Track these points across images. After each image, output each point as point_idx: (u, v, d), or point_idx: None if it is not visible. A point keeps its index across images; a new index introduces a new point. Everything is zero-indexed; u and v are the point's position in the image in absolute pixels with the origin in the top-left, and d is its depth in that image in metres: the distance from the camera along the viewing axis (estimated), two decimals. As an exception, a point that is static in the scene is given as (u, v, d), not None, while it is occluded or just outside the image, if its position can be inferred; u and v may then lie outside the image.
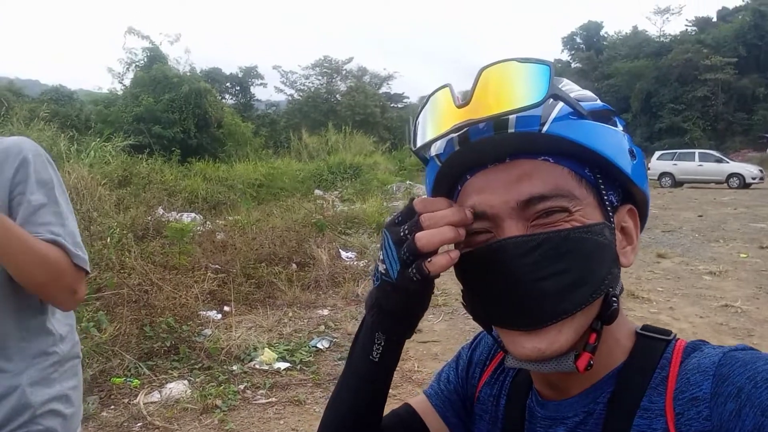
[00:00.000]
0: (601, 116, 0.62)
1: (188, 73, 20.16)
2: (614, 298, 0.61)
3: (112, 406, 3.55)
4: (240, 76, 35.40)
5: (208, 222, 9.29)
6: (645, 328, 0.67)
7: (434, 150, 0.65)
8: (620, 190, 0.65)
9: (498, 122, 0.59)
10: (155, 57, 20.41)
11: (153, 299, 4.68)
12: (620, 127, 0.64)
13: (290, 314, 5.45)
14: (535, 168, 0.60)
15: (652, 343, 0.64)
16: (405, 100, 51.18)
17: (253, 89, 36.76)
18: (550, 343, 0.58)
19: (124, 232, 6.12)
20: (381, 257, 0.63)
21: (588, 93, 0.65)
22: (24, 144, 1.27)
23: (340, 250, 7.66)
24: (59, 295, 1.24)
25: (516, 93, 0.57)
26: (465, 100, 0.60)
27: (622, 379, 0.62)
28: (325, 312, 5.61)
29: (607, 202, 0.62)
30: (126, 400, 3.62)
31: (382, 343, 0.68)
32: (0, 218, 1.13)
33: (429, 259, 0.59)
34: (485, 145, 0.60)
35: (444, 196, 0.67)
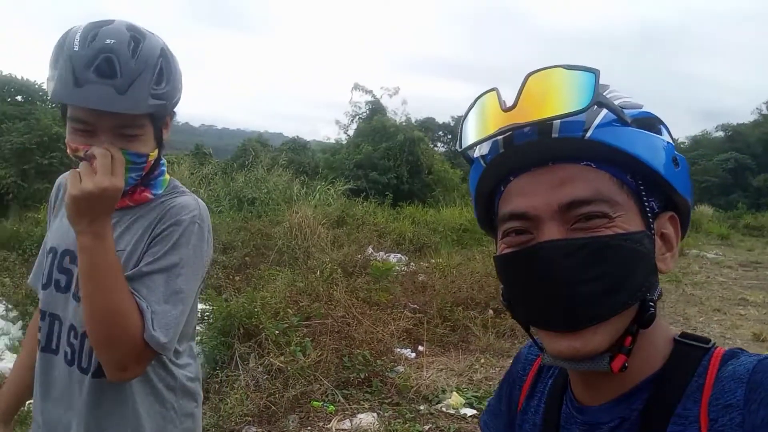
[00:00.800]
0: (646, 124, 0.63)
1: (404, 123, 21.56)
2: (651, 304, 0.61)
3: (309, 427, 3.82)
4: (452, 124, 36.74)
5: (412, 263, 9.66)
6: (683, 335, 0.66)
7: (479, 151, 0.68)
8: (662, 197, 0.65)
9: (542, 127, 0.61)
10: (376, 109, 22.29)
11: (353, 332, 4.98)
12: (665, 135, 0.64)
13: (482, 360, 5.35)
14: (577, 173, 0.61)
15: (690, 351, 0.64)
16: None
17: (464, 137, 37.88)
18: (585, 344, 0.60)
19: (335, 267, 6.64)
20: None
21: (634, 101, 0.65)
22: (189, 209, 1.23)
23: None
24: (110, 360, 1.12)
25: (561, 99, 0.59)
26: (511, 104, 0.62)
27: (658, 385, 0.62)
28: (519, 362, 5.39)
29: (647, 209, 0.63)
30: (321, 424, 3.87)
31: None
32: (109, 242, 1.10)
33: None
34: (529, 149, 0.62)
35: (486, 195, 0.70)
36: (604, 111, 0.61)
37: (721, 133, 41.22)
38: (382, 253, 9.94)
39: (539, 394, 0.78)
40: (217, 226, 8.88)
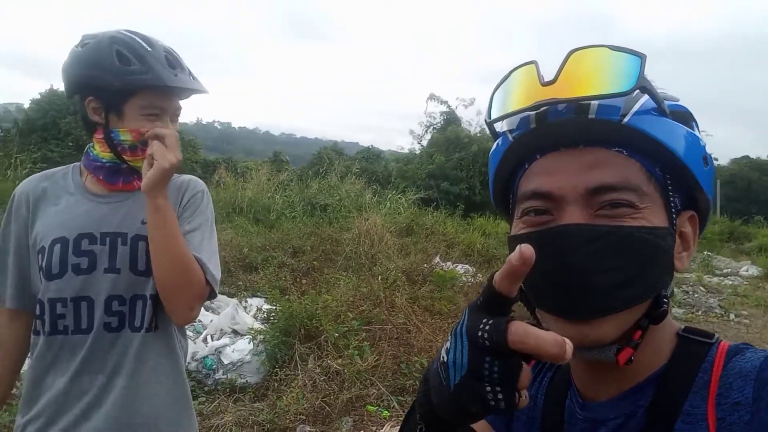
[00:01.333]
0: (682, 117, 0.61)
1: (478, 134, 21.37)
2: (665, 300, 0.60)
3: (362, 430, 3.85)
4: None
5: (479, 274, 9.53)
6: (687, 330, 0.65)
7: (507, 125, 0.65)
8: (686, 195, 0.63)
9: (579, 106, 0.58)
10: (451, 119, 22.27)
11: (412, 339, 4.97)
12: (698, 132, 0.63)
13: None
14: (607, 158, 0.59)
15: (695, 347, 0.62)
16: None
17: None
18: (592, 330, 0.58)
19: (399, 274, 6.66)
20: (448, 344, 0.51)
21: (669, 93, 0.63)
22: (200, 183, 1.55)
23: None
24: (182, 302, 1.36)
25: (604, 79, 0.57)
26: (551, 78, 0.59)
27: (664, 382, 0.61)
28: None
29: (672, 205, 0.61)
30: (374, 428, 3.88)
31: None
32: (170, 209, 1.34)
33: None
34: (562, 128, 0.60)
35: (508, 172, 0.67)
36: (645, 97, 0.59)
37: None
38: (449, 263, 9.86)
39: (536, 385, 0.75)
40: (289, 231, 9.14)
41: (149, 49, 1.35)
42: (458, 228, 13.44)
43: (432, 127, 22.97)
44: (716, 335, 0.64)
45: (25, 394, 1.40)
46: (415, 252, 9.44)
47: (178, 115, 1.45)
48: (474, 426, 0.71)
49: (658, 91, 0.61)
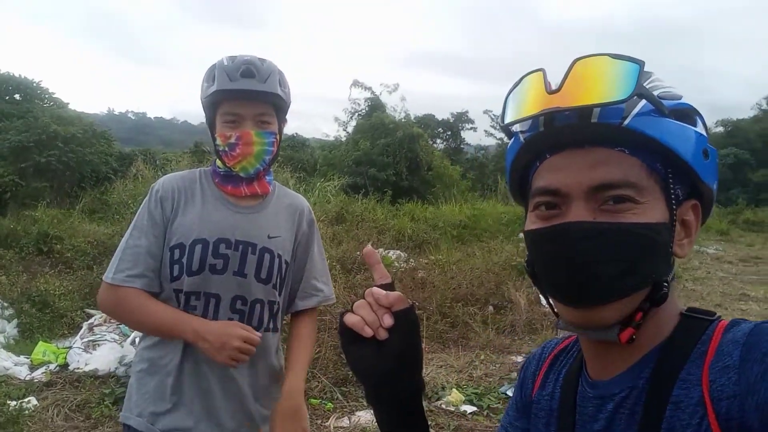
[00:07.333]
0: (682, 114, 0.66)
1: (403, 120, 21.48)
2: (665, 284, 0.65)
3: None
4: (451, 121, 36.70)
5: (411, 259, 9.62)
6: (690, 309, 0.69)
7: (520, 127, 0.71)
8: (688, 185, 0.68)
9: (582, 112, 0.64)
10: (375, 106, 22.20)
11: (352, 328, 4.94)
12: (700, 127, 0.67)
13: (482, 357, 5.32)
14: (610, 157, 0.64)
15: (695, 323, 0.67)
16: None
17: (463, 133, 37.76)
18: (596, 314, 0.65)
19: (334, 263, 6.60)
20: None
21: (674, 91, 0.68)
22: (307, 204, 1.77)
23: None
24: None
25: (603, 87, 0.62)
26: (556, 87, 0.65)
27: (664, 354, 0.66)
28: (519, 359, 5.35)
29: (673, 196, 0.66)
30: (319, 421, 3.83)
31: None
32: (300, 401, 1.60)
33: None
34: (568, 131, 0.65)
35: (522, 169, 0.74)
36: (644, 101, 0.64)
37: (720, 129, 41.04)
38: (381, 250, 9.90)
39: (552, 383, 0.82)
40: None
41: (226, 63, 1.54)
42: (387, 214, 13.50)
43: (357, 114, 22.87)
44: (717, 314, 0.68)
45: (159, 384, 1.56)
46: (347, 240, 9.40)
47: (265, 121, 1.58)
48: None
49: (663, 90, 0.67)
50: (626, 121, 0.63)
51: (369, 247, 0.80)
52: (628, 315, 0.65)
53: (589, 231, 0.63)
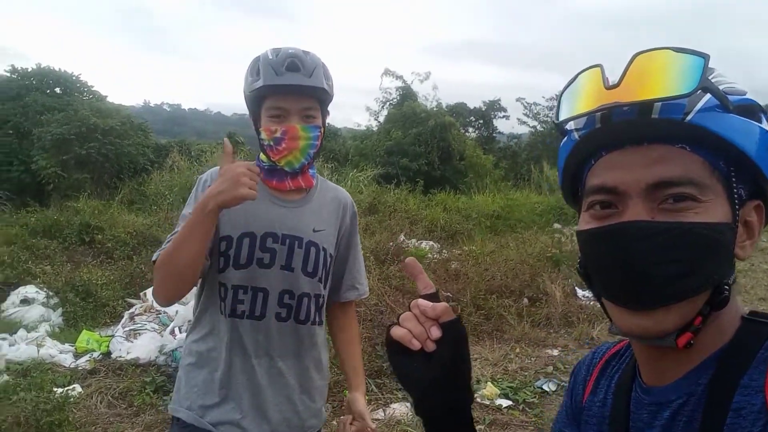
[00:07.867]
0: (748, 111, 0.63)
1: (435, 109, 21.27)
2: (726, 287, 0.62)
3: (342, 416, 3.81)
4: (483, 109, 36.26)
5: (444, 250, 9.58)
6: (752, 313, 0.66)
7: (574, 124, 0.68)
8: (751, 185, 0.65)
9: (643, 107, 0.61)
10: (407, 95, 22.07)
11: (386, 320, 4.95)
12: (764, 124, 0.64)
13: (517, 350, 5.27)
14: (671, 154, 0.62)
15: (759, 327, 0.64)
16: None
17: (495, 122, 37.22)
18: (655, 324, 0.61)
19: (367, 254, 6.60)
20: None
21: (738, 86, 0.65)
22: (349, 197, 1.80)
23: (576, 287, 7.16)
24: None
25: (666, 81, 0.60)
26: (615, 82, 0.62)
27: (724, 360, 0.63)
28: (555, 352, 5.29)
29: (735, 196, 0.63)
30: (355, 413, 3.85)
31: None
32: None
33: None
34: (626, 127, 0.63)
35: (575, 167, 0.71)
36: (708, 96, 0.61)
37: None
38: (414, 241, 9.87)
39: (604, 389, 0.79)
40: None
41: (271, 57, 1.53)
42: (420, 204, 13.45)
43: (388, 103, 22.78)
44: None
45: (207, 377, 1.58)
46: (380, 231, 9.39)
47: (311, 115, 1.58)
48: None
49: (727, 85, 0.63)
50: (689, 117, 0.60)
51: (410, 258, 0.79)
52: (689, 322, 0.62)
53: (648, 231, 0.60)
